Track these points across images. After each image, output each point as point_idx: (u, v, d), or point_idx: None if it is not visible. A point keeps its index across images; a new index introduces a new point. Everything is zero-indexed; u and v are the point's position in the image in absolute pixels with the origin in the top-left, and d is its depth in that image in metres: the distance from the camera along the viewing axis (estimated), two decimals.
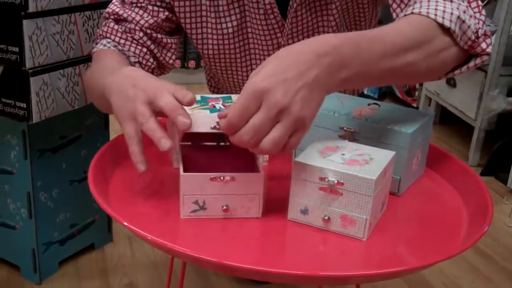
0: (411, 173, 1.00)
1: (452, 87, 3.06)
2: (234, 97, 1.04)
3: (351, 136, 0.98)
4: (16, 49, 1.33)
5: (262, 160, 1.04)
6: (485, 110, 2.77)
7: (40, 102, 1.39)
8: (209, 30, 1.23)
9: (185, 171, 0.86)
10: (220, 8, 1.20)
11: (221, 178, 0.83)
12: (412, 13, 0.94)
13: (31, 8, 1.31)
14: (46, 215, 1.66)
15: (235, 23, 1.22)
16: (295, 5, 1.17)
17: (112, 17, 1.18)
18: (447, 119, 3.37)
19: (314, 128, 1.00)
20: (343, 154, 0.86)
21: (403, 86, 3.96)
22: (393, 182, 0.95)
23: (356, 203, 0.81)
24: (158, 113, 0.86)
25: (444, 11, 0.92)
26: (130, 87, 0.88)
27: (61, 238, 1.75)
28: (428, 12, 0.92)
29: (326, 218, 0.83)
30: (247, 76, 1.22)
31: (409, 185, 1.00)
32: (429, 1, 0.95)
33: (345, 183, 0.80)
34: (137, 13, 1.18)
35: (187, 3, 1.20)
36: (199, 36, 1.25)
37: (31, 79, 1.35)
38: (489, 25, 2.93)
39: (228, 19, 1.21)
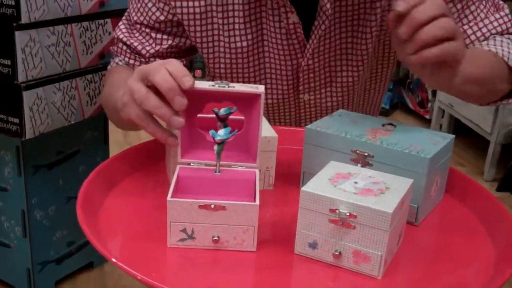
0: (430, 200, 0.92)
1: None
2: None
3: (364, 160, 0.91)
4: (8, 62, 1.27)
5: (268, 184, 0.97)
6: (501, 124, 2.69)
7: (34, 117, 1.32)
8: (221, 49, 1.17)
9: (176, 194, 0.80)
10: (236, 26, 1.14)
11: (211, 206, 0.75)
12: (489, 50, 1.05)
13: (24, 19, 1.25)
14: (41, 233, 1.60)
15: (250, 42, 1.16)
16: (322, 27, 1.11)
17: (119, 42, 1.18)
18: (461, 131, 3.28)
19: (324, 150, 0.93)
20: (355, 183, 0.79)
21: (416, 97, 3.88)
22: (410, 211, 0.88)
23: (370, 238, 0.73)
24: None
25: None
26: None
27: (58, 257, 1.68)
28: (503, 55, 1.04)
29: (337, 253, 0.76)
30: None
31: (427, 213, 0.93)
32: (502, 41, 1.07)
33: (358, 215, 0.73)
34: (140, 41, 1.16)
35: (198, 20, 1.14)
36: (211, 55, 1.19)
37: (24, 93, 1.29)
38: None
39: (244, 37, 1.15)
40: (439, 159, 0.91)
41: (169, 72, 0.80)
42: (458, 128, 3.31)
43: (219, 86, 0.83)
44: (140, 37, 1.17)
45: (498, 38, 1.10)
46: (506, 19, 1.13)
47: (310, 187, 0.76)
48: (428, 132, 0.96)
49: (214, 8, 1.13)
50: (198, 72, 3.82)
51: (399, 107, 4.02)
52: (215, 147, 0.84)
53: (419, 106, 3.89)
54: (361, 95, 1.29)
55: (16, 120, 1.31)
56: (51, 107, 1.36)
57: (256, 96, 0.85)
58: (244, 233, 0.77)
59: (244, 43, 1.15)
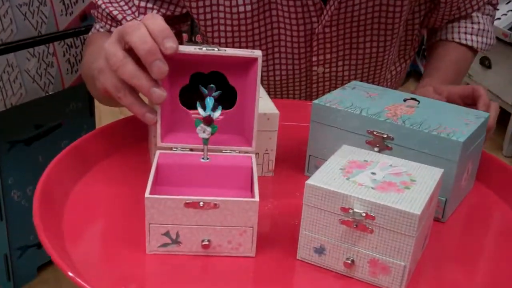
0: (460, 191, 0.78)
1: (486, 68, 2.82)
2: None
3: (383, 143, 0.76)
4: None
5: (267, 170, 0.83)
6: None
7: (5, 87, 1.18)
8: (221, 15, 1.03)
9: (156, 188, 0.68)
10: None
11: (200, 204, 0.62)
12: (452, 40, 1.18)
13: None
14: (19, 215, 1.48)
15: (255, 5, 1.01)
16: None
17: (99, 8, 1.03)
18: None
19: (334, 130, 0.79)
20: (373, 174, 0.64)
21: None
22: (437, 205, 0.74)
23: (391, 245, 0.59)
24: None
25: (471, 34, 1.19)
26: None
27: (39, 241, 1.55)
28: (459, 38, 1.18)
29: (349, 261, 0.62)
30: (264, 67, 1.01)
31: (456, 206, 0.79)
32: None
33: (377, 217, 0.59)
34: (121, 8, 1.02)
35: None
36: (209, 22, 1.04)
37: None
38: None
39: (247, 0, 1.00)
40: (472, 143, 0.76)
41: (149, 31, 0.66)
42: None
43: (207, 50, 0.68)
44: (122, 3, 1.02)
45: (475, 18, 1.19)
46: None
47: (317, 179, 0.62)
48: (458, 110, 0.82)
49: None
50: (200, 37, 3.65)
51: (412, 75, 3.85)
52: (205, 129, 0.70)
53: None
54: (383, 71, 1.14)
55: None
56: (25, 76, 1.22)
57: (252, 61, 0.70)
58: (241, 235, 0.64)
59: (248, 7, 1.01)
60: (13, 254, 1.49)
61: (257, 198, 0.63)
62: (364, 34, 1.05)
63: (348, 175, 0.64)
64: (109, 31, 1.03)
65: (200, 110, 0.69)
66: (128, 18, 1.01)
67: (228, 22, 1.03)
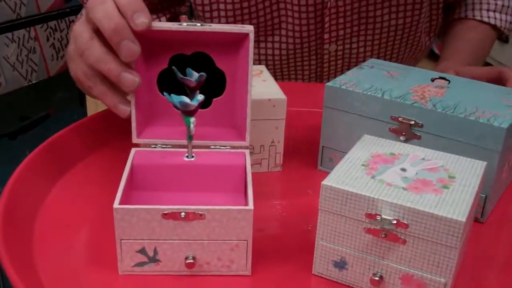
0: (500, 186, 0.68)
1: (503, 43, 2.69)
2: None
3: (410, 131, 0.65)
4: None
5: (274, 165, 0.72)
6: None
7: None
8: None
9: (130, 193, 0.58)
10: None
11: (181, 215, 0.51)
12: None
13: None
14: None
15: None
16: None
17: None
18: None
19: (352, 117, 0.69)
20: (403, 170, 0.54)
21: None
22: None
23: (428, 258, 0.49)
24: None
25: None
26: None
27: None
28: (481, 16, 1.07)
29: (376, 277, 0.51)
30: (269, 48, 0.91)
31: (495, 203, 0.68)
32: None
33: (411, 224, 0.48)
34: None
35: None
36: (206, 1, 0.94)
37: None
38: None
39: None
40: None
41: (117, 5, 0.55)
42: None
43: (188, 25, 0.58)
44: None
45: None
46: None
47: (336, 179, 0.52)
48: (497, 89, 0.71)
49: None
50: None
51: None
52: (185, 119, 0.59)
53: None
54: (402, 48, 1.03)
55: None
56: (4, 64, 1.11)
57: (242, 38, 0.59)
58: (233, 250, 0.53)
59: None
60: None
61: (251, 206, 0.52)
62: (382, 6, 0.94)
63: (373, 173, 0.53)
64: None
65: (179, 98, 0.58)
66: None
67: (229, 4, 0.92)
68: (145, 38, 0.57)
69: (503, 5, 1.07)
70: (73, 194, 0.68)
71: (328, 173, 0.73)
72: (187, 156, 0.61)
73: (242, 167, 0.61)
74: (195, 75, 0.58)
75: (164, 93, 0.58)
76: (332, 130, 0.72)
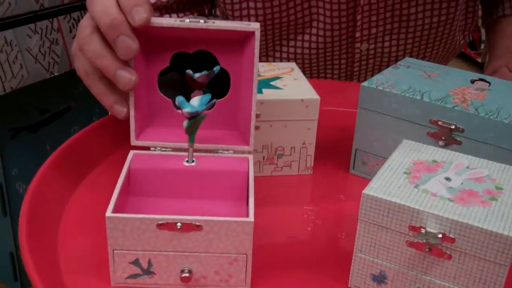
0: None
1: None
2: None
3: (450, 136, 0.63)
4: None
5: (305, 167, 0.70)
6: None
7: (3, 68, 1.06)
8: None
9: (126, 199, 0.56)
10: None
11: (177, 225, 0.48)
12: None
13: None
14: None
15: None
16: None
17: None
18: None
19: (388, 119, 0.66)
20: (448, 179, 0.51)
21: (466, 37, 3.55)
22: None
23: (475, 275, 0.46)
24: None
25: None
26: None
27: None
28: None
29: None
30: (299, 46, 0.90)
31: None
32: None
33: (458, 239, 0.46)
34: None
35: None
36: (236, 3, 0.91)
37: None
38: None
39: None
40: None
41: (118, 0, 0.53)
42: None
43: (190, 22, 0.55)
44: None
45: None
46: None
47: (377, 188, 0.49)
48: None
49: None
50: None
51: None
52: (185, 123, 0.56)
53: (470, 47, 3.58)
54: (435, 47, 1.00)
55: None
56: (26, 55, 1.10)
57: (248, 36, 0.57)
58: (231, 264, 0.50)
59: None
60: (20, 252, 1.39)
61: (251, 217, 0.49)
62: (416, 3, 0.91)
63: (416, 182, 0.50)
64: None
65: (181, 100, 0.55)
66: None
67: (259, 3, 0.89)
68: (145, 34, 0.55)
69: None
70: (96, 195, 0.66)
71: (360, 177, 0.71)
72: (187, 161, 0.58)
73: (245, 174, 0.58)
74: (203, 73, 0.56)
75: (178, 101, 0.55)
76: (366, 132, 0.69)
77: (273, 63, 0.78)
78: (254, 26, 0.56)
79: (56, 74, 1.18)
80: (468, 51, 3.58)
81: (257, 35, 0.56)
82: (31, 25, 1.10)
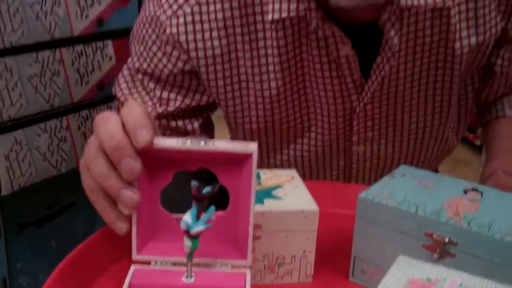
0: None
1: None
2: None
3: (444, 249, 0.65)
4: None
5: (305, 276, 0.72)
6: None
7: (12, 167, 1.10)
8: (252, 99, 0.95)
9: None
10: (270, 68, 0.92)
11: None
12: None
13: None
14: None
15: (288, 86, 0.94)
16: (387, 66, 0.89)
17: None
18: None
19: (384, 230, 0.68)
20: None
21: (459, 138, 3.62)
22: None
23: None
24: None
25: None
26: None
27: None
28: None
29: None
30: (298, 150, 0.94)
31: None
32: None
33: None
34: (142, 99, 0.98)
35: (219, 64, 0.92)
36: (238, 107, 0.97)
37: None
38: None
39: (280, 80, 0.93)
40: None
41: (124, 123, 0.58)
42: None
43: (192, 144, 0.59)
44: (143, 93, 0.96)
45: None
46: None
47: None
48: None
49: (239, 46, 0.91)
50: None
51: None
52: (187, 242, 0.58)
53: (468, 130, 3.62)
54: (430, 150, 1.03)
55: None
56: (35, 154, 1.14)
57: (246, 157, 0.60)
58: None
59: (281, 89, 0.94)
60: None
61: (247, 276, 0.51)
62: (409, 110, 0.95)
63: None
64: None
65: (184, 216, 0.58)
66: (149, 109, 0.94)
67: (260, 106, 0.94)
68: (149, 155, 0.58)
69: None
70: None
71: (360, 286, 0.73)
72: (186, 276, 0.60)
73: None
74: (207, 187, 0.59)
75: (184, 223, 0.58)
76: (365, 241, 0.71)
77: (274, 170, 0.82)
78: (252, 148, 0.60)
79: (63, 171, 1.21)
80: (467, 134, 3.63)
81: (255, 156, 0.59)
82: (40, 124, 1.14)
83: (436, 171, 1.24)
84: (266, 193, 0.74)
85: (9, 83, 1.07)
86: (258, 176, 0.78)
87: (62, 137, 1.18)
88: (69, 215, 1.38)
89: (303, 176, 1.02)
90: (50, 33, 1.12)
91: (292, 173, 0.81)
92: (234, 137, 1.05)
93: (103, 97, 1.27)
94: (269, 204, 0.71)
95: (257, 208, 0.67)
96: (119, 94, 0.99)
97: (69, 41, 1.17)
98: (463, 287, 0.55)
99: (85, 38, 1.20)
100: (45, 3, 1.09)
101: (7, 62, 1.06)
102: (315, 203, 0.72)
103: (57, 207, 1.35)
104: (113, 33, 1.26)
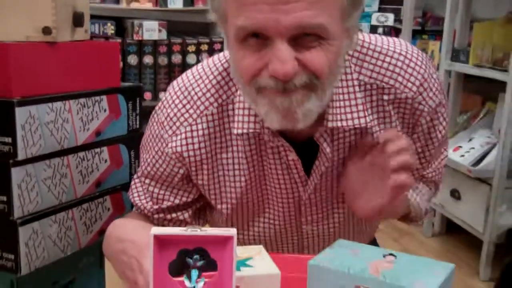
0: None
1: (456, 200, 3.00)
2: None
3: None
4: (4, 198, 1.27)
5: None
6: (493, 224, 2.70)
7: (30, 252, 1.31)
8: (228, 189, 1.21)
9: None
10: (242, 165, 1.19)
11: None
12: None
13: (21, 156, 1.26)
14: None
15: (253, 179, 1.20)
16: (322, 168, 1.15)
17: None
18: (454, 229, 3.28)
19: (330, 285, 0.93)
20: None
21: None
22: None
23: None
24: None
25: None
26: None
27: None
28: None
29: None
30: (261, 227, 1.21)
31: None
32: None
33: None
34: (140, 198, 1.27)
35: (205, 164, 1.19)
36: (218, 196, 1.23)
37: (20, 229, 1.28)
38: (489, 137, 2.92)
39: (247, 174, 1.19)
40: None
41: None
42: (451, 225, 3.30)
43: (191, 231, 0.84)
44: (147, 195, 1.25)
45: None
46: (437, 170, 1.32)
47: None
48: (428, 262, 0.96)
49: (218, 151, 1.18)
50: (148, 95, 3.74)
51: None
52: None
53: None
54: (363, 226, 1.31)
55: (12, 257, 1.29)
56: (47, 240, 1.35)
57: (229, 238, 0.86)
58: None
59: (248, 181, 1.19)
60: None
61: None
62: (343, 199, 1.22)
63: None
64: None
65: (186, 281, 0.83)
66: (147, 206, 1.24)
67: (232, 195, 1.20)
68: (162, 239, 0.83)
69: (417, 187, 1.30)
70: None
71: None
72: None
73: None
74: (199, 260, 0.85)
75: (184, 278, 0.83)
76: None
77: (246, 247, 1.06)
78: (232, 232, 0.85)
79: (69, 253, 1.43)
80: None
81: (235, 237, 0.85)
82: (52, 216, 1.36)
83: (374, 239, 1.50)
84: (241, 263, 0.98)
85: (28, 185, 1.29)
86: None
87: (68, 227, 1.40)
88: None
89: (267, 249, 1.27)
90: (60, 144, 1.35)
91: (260, 247, 1.06)
92: (211, 218, 1.30)
93: (100, 191, 1.50)
94: (244, 271, 0.95)
95: (238, 274, 0.91)
96: (133, 201, 1.28)
97: (74, 150, 1.40)
98: None
99: (86, 146, 1.43)
100: (57, 121, 1.33)
101: (27, 169, 1.29)
102: (277, 268, 0.97)
103: (59, 284, 1.54)
104: (108, 141, 1.51)
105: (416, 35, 3.71)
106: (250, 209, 1.23)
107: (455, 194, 2.98)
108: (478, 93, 3.35)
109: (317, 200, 1.20)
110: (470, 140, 2.98)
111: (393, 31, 3.92)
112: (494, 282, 2.70)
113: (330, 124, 1.10)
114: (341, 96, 1.11)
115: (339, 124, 1.11)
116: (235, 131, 1.13)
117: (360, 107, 1.11)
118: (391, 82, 1.13)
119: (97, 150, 1.47)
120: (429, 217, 3.32)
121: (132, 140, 1.57)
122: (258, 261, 0.99)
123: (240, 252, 1.03)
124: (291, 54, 0.96)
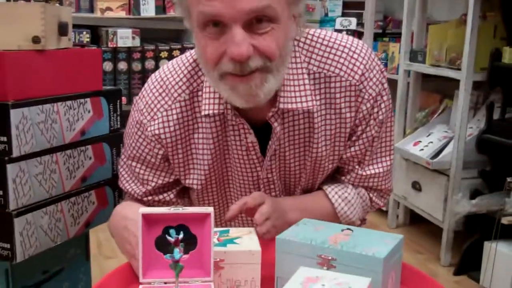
0: None
1: (418, 191, 3.16)
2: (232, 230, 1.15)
3: (329, 263, 1.03)
4: (1, 192, 1.37)
5: None
6: (451, 212, 2.86)
7: (24, 241, 1.41)
8: (196, 166, 1.33)
9: None
10: (206, 145, 1.31)
11: None
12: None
13: (15, 153, 1.37)
14: None
15: (218, 158, 1.32)
16: (273, 146, 1.28)
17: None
18: (417, 220, 3.44)
19: (294, 256, 1.06)
20: (323, 285, 0.91)
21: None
22: None
23: None
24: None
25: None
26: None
27: None
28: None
29: None
30: (224, 204, 1.34)
31: None
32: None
33: None
34: (129, 184, 1.39)
35: (180, 146, 1.32)
36: (190, 172, 1.35)
37: (15, 220, 1.39)
38: (446, 131, 3.08)
39: (213, 153, 1.31)
40: (391, 258, 1.04)
41: None
42: (414, 217, 3.47)
43: (174, 210, 0.97)
44: (134, 179, 1.37)
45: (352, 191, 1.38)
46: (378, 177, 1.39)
47: None
48: (380, 234, 1.10)
49: (189, 132, 1.31)
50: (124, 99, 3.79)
51: None
52: (173, 267, 0.97)
53: None
54: None
55: (7, 246, 1.40)
56: (39, 231, 1.46)
57: (206, 215, 0.99)
58: None
59: (214, 159, 1.32)
60: None
61: None
62: (294, 177, 1.35)
63: (306, 287, 0.90)
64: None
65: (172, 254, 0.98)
66: (137, 191, 1.36)
67: (201, 171, 1.33)
68: (148, 217, 0.96)
69: (347, 198, 1.36)
70: None
71: None
72: None
73: None
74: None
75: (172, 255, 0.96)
76: (283, 265, 1.07)
77: (240, 228, 1.18)
78: (210, 210, 0.98)
79: (58, 243, 1.54)
80: None
81: (212, 214, 0.98)
82: (43, 208, 1.47)
83: None
84: (230, 241, 1.10)
85: (22, 180, 1.40)
86: (227, 231, 1.15)
87: (58, 218, 1.51)
88: (58, 279, 1.68)
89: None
90: (50, 143, 1.47)
91: (251, 230, 1.18)
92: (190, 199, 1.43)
93: (86, 186, 1.61)
94: (230, 247, 1.08)
95: (222, 249, 1.04)
96: (123, 187, 1.40)
97: (62, 148, 1.51)
98: (335, 279, 0.93)
99: (73, 145, 1.55)
100: (47, 122, 1.45)
101: (21, 165, 1.40)
102: (259, 246, 1.09)
103: (49, 272, 1.65)
104: (92, 139, 1.62)
105: (377, 38, 3.85)
106: (215, 186, 1.36)
107: (416, 186, 3.14)
108: (438, 92, 3.52)
109: (274, 178, 1.33)
110: (429, 135, 3.14)
111: (356, 35, 4.07)
112: (455, 267, 2.88)
113: (281, 106, 1.24)
114: (291, 82, 1.25)
115: (289, 106, 1.25)
116: (202, 113, 1.27)
117: (308, 92, 1.26)
118: (336, 71, 1.26)
119: (82, 148, 1.59)
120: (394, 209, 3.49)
121: (114, 139, 1.70)
122: (245, 240, 1.11)
123: (233, 232, 1.15)
124: (245, 38, 1.09)
